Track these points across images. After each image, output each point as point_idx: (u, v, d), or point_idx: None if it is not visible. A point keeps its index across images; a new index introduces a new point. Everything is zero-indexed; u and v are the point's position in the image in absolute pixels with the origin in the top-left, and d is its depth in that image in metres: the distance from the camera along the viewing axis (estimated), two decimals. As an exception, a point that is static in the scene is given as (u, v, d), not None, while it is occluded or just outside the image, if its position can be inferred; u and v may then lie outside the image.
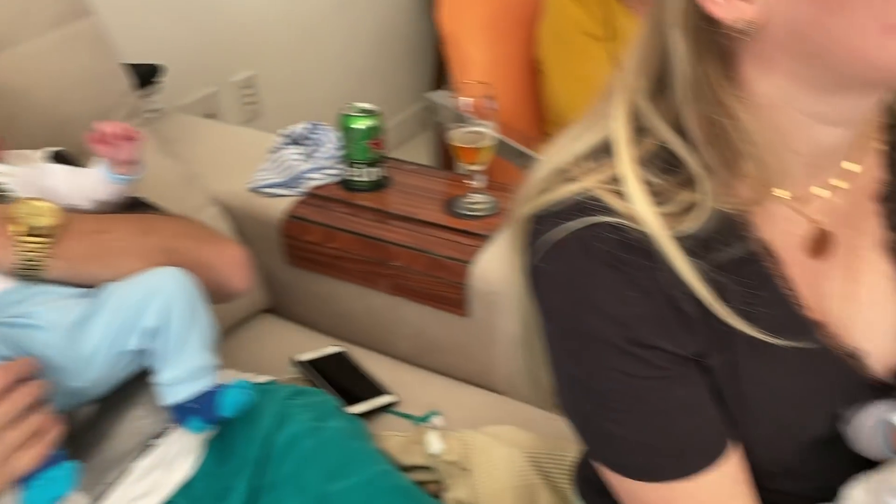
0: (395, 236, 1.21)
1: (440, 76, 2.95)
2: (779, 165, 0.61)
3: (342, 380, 1.20)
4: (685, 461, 0.63)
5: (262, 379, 1.02)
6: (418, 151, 2.89)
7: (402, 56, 2.94)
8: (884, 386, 0.67)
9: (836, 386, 0.66)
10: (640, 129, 0.62)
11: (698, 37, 0.58)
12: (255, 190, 1.34)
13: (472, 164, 1.20)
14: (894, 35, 0.52)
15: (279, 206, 1.31)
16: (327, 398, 0.99)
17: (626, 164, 0.61)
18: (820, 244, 0.66)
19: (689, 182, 0.60)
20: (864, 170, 0.67)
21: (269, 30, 2.35)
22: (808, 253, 0.65)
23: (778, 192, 0.63)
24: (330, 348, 1.26)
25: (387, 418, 1.16)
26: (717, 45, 0.58)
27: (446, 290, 1.16)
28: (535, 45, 1.50)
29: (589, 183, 0.62)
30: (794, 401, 0.65)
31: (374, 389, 1.19)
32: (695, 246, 0.60)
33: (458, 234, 1.19)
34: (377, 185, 1.31)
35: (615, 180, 0.61)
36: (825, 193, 0.65)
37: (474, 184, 1.23)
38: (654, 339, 0.60)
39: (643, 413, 0.63)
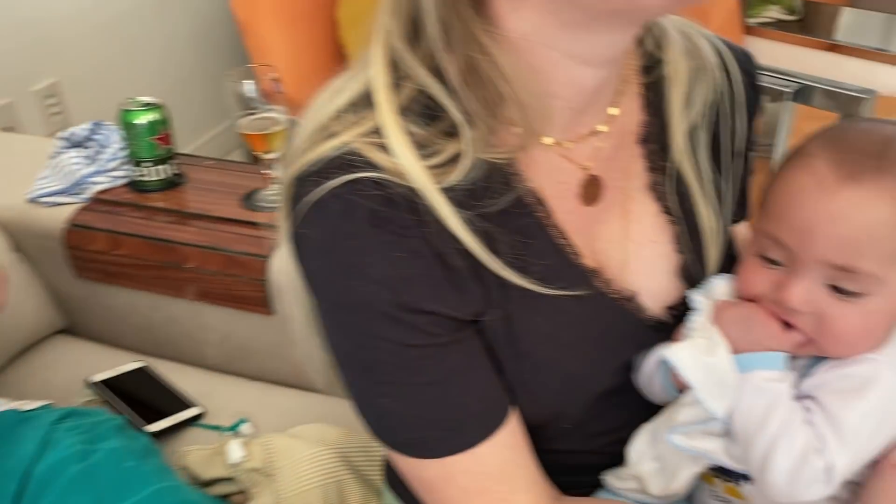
0: (187, 236, 1.12)
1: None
2: (541, 110, 0.57)
3: (143, 397, 1.10)
4: (463, 434, 0.59)
5: (33, 405, 0.91)
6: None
7: (222, 47, 2.81)
8: (662, 325, 0.66)
9: (617, 331, 0.64)
10: (400, 77, 0.57)
11: None
12: (33, 200, 1.21)
13: (265, 151, 1.13)
14: None
15: (61, 215, 1.19)
16: (106, 418, 0.89)
17: (387, 113, 0.56)
18: (591, 190, 0.64)
19: (452, 131, 0.56)
20: (627, 113, 0.66)
21: (70, 32, 2.17)
22: (580, 200, 0.63)
23: (544, 139, 0.61)
24: (130, 364, 1.16)
25: (194, 432, 1.07)
26: None
27: (246, 288, 1.09)
28: (337, 29, 1.45)
29: (348, 137, 0.56)
30: (577, 351, 0.62)
31: (178, 403, 1.10)
32: (463, 198, 0.56)
33: (257, 228, 1.12)
34: (169, 184, 1.22)
35: (377, 132, 0.56)
36: (591, 139, 0.63)
37: (272, 173, 1.16)
38: (424, 302, 0.56)
39: (416, 385, 0.58)
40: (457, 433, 0.59)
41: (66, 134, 1.28)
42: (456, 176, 0.56)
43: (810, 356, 0.61)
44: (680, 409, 0.62)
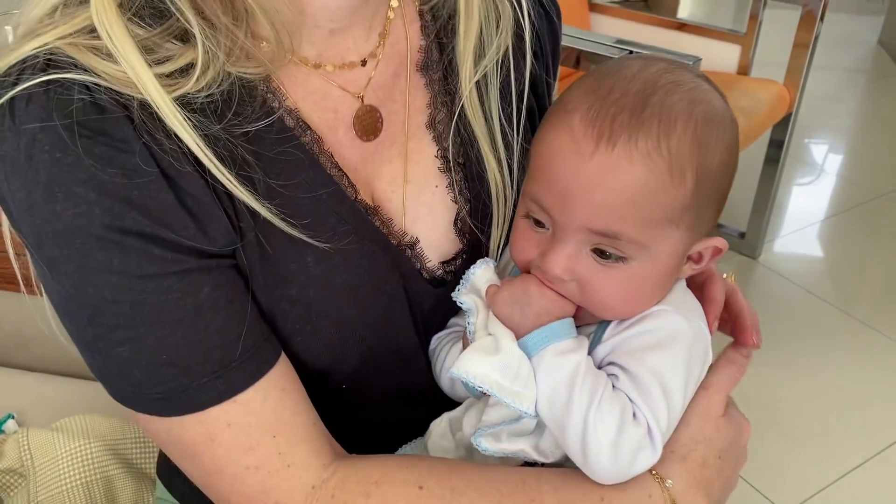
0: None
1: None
2: (288, 25, 0.50)
3: None
4: (225, 378, 0.50)
5: None
6: None
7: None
8: (439, 281, 0.60)
9: (395, 280, 0.57)
10: None
11: None
12: None
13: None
14: None
15: None
16: None
17: (104, 7, 0.47)
18: (367, 122, 0.57)
19: (187, 37, 0.48)
20: (403, 39, 0.60)
21: None
22: (355, 133, 0.57)
23: (303, 58, 0.54)
24: None
25: (-49, 433, 0.93)
26: None
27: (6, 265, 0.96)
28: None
29: (52, 37, 0.47)
30: (352, 296, 0.55)
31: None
32: (203, 114, 0.48)
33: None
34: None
35: (91, 31, 0.47)
36: (363, 67, 0.57)
37: None
38: (152, 226, 0.47)
39: (159, 324, 0.48)
40: (217, 379, 0.50)
41: None
42: (192, 86, 0.47)
43: (593, 329, 0.55)
44: (487, 409, 0.55)
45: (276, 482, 0.51)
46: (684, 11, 2.38)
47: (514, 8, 0.62)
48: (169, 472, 0.71)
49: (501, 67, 0.62)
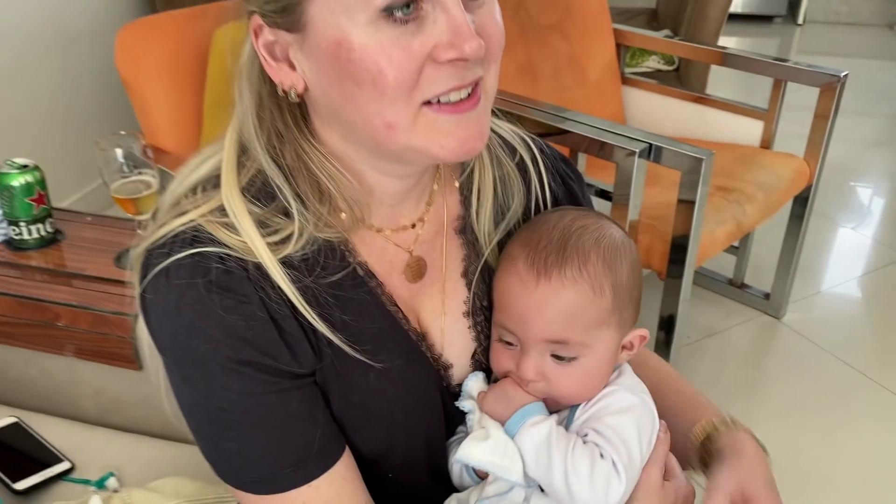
0: (59, 295, 1.17)
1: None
2: (360, 203, 0.68)
3: (14, 453, 1.14)
4: (304, 469, 0.67)
5: None
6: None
7: (101, 106, 2.79)
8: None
9: (433, 395, 0.74)
10: (248, 159, 0.67)
11: (261, 88, 0.65)
12: None
13: (137, 214, 1.19)
14: (395, 131, 0.60)
15: (-65, 273, 1.22)
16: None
17: (231, 193, 0.65)
18: (415, 269, 0.74)
19: (287, 211, 0.66)
20: (448, 206, 0.76)
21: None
22: (405, 277, 0.73)
23: (370, 225, 0.71)
24: (2, 420, 1.19)
25: (63, 486, 1.11)
26: (285, 98, 0.64)
27: (115, 345, 1.14)
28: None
29: (195, 215, 0.65)
30: (401, 404, 0.72)
31: (49, 458, 1.14)
32: (300, 269, 0.65)
33: (125, 287, 1.17)
34: (47, 242, 1.26)
35: (222, 210, 0.65)
36: (413, 228, 0.73)
37: (143, 232, 1.21)
38: (261, 356, 0.64)
39: (259, 429, 0.65)
40: (298, 469, 0.66)
41: (-58, 193, 1.30)
42: (291, 249, 0.65)
43: (566, 414, 0.72)
44: (485, 486, 0.71)
45: None
46: (711, 87, 2.52)
47: (534, 182, 0.78)
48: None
49: (524, 218, 0.78)
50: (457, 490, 0.77)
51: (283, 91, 0.64)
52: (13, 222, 1.24)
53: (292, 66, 0.62)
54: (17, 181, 1.22)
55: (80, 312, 1.14)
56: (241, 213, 0.64)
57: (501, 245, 0.76)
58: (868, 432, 1.89)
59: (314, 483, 0.67)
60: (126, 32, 1.51)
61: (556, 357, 0.69)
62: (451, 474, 0.77)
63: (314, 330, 0.66)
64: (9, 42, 2.28)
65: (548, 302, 0.68)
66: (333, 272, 0.68)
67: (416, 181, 0.71)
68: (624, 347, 0.73)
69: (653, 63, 2.57)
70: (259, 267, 0.64)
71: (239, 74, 0.66)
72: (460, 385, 0.75)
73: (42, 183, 1.24)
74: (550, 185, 0.80)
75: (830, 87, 1.94)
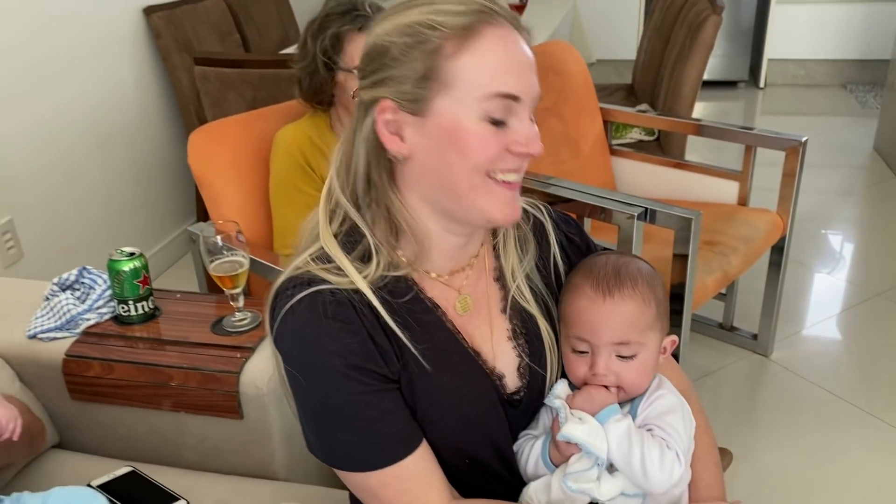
0: (171, 360, 1.39)
1: (200, 201, 3.13)
2: (425, 249, 0.93)
3: (135, 496, 1.34)
4: (394, 451, 0.89)
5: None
6: (181, 274, 3.03)
7: (160, 189, 3.10)
8: (511, 404, 0.99)
9: (492, 397, 0.97)
10: (337, 214, 0.93)
11: (374, 151, 0.90)
12: (33, 336, 1.46)
13: (232, 289, 1.42)
14: (474, 191, 0.85)
15: (59, 347, 1.44)
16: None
17: (328, 239, 0.91)
18: (464, 304, 0.98)
19: (369, 254, 0.91)
20: (487, 259, 1.02)
21: (25, 173, 2.42)
22: (457, 310, 0.98)
23: (426, 271, 0.95)
24: (121, 469, 1.39)
25: (182, 521, 1.31)
26: (387, 160, 0.90)
27: (221, 399, 1.36)
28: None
29: (300, 262, 0.90)
30: (470, 403, 0.95)
31: (166, 498, 1.34)
32: (385, 298, 0.90)
33: (226, 350, 1.39)
34: (149, 317, 1.49)
35: (322, 258, 0.90)
36: (461, 273, 0.98)
37: (235, 304, 1.45)
38: (363, 364, 0.87)
39: (362, 420, 0.88)
40: (390, 451, 0.89)
41: (57, 279, 1.53)
42: (378, 283, 0.90)
43: (628, 409, 0.97)
44: (571, 464, 0.95)
45: (425, 499, 0.90)
46: (690, 153, 2.82)
47: (550, 237, 1.04)
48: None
49: (542, 270, 1.03)
50: (523, 484, 1.00)
51: (392, 156, 0.89)
52: (122, 301, 1.47)
53: (402, 139, 0.88)
54: (127, 266, 1.45)
55: (191, 373, 1.36)
56: (340, 258, 0.90)
57: (532, 290, 1.02)
58: (857, 457, 2.07)
59: (402, 462, 0.89)
60: (198, 135, 1.77)
61: (620, 357, 0.95)
62: (524, 468, 1.00)
63: (400, 345, 0.90)
64: (56, 143, 2.55)
65: (613, 313, 0.95)
66: (409, 302, 0.93)
67: (468, 239, 0.96)
68: (663, 349, 0.99)
69: (635, 135, 2.87)
70: (358, 293, 0.88)
71: (356, 138, 0.90)
72: (512, 392, 0.99)
73: (146, 267, 1.47)
74: (560, 239, 1.06)
75: (794, 150, 2.23)
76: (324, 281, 0.88)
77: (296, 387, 0.90)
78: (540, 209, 1.06)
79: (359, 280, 0.88)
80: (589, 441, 0.92)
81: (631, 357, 0.95)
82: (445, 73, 0.83)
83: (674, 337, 1.01)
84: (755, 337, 2.52)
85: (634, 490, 0.94)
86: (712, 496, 1.01)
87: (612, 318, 0.95)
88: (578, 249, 1.08)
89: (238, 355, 1.38)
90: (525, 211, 1.03)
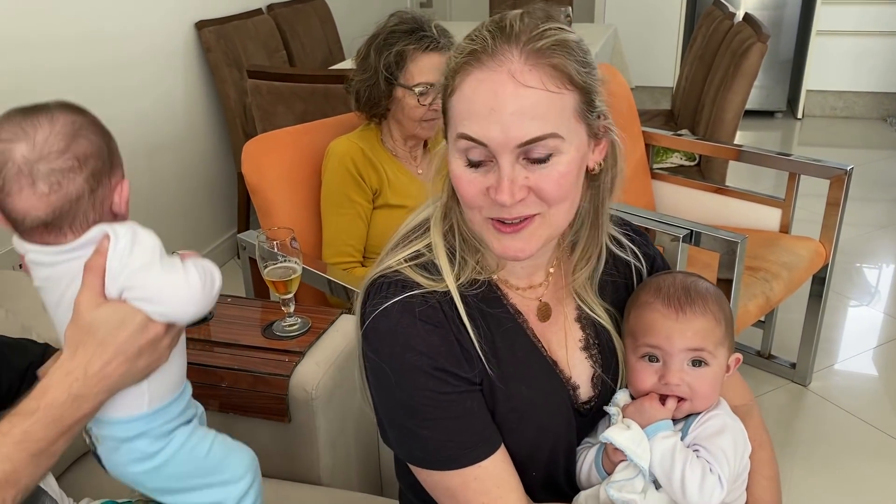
0: (222, 361, 1.41)
1: (241, 211, 3.18)
2: (502, 263, 0.96)
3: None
4: (476, 451, 0.91)
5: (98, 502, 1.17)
6: (228, 278, 3.07)
7: (205, 199, 3.16)
8: (582, 414, 1.01)
9: (566, 406, 0.99)
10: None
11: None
12: (86, 334, 1.49)
13: (285, 294, 1.45)
14: (476, 228, 0.91)
15: (111, 345, 1.47)
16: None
17: (438, 237, 0.94)
18: (543, 312, 1.00)
19: (461, 258, 0.93)
20: (564, 272, 1.03)
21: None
22: (537, 318, 1.00)
23: (505, 281, 0.98)
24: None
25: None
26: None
27: (270, 402, 1.38)
28: (326, 191, 1.80)
29: (393, 262, 0.94)
30: (546, 411, 0.96)
31: (213, 497, 1.36)
32: (472, 305, 0.93)
33: (277, 353, 1.42)
34: (201, 320, 1.52)
35: (415, 258, 0.93)
36: (541, 286, 1.00)
37: (286, 309, 1.47)
38: (450, 366, 0.90)
39: (446, 419, 0.90)
40: (472, 451, 0.91)
41: (113, 279, 1.57)
42: (466, 288, 0.92)
43: (681, 426, 0.97)
44: (616, 472, 0.96)
45: (505, 499, 0.91)
46: (731, 179, 2.82)
47: (630, 254, 1.05)
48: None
49: (618, 278, 1.05)
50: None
51: None
52: (176, 303, 1.50)
53: None
54: (183, 269, 1.48)
55: (242, 375, 1.39)
56: (440, 252, 0.93)
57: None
58: (894, 489, 2.07)
59: (482, 463, 0.91)
60: (252, 145, 1.81)
61: (693, 363, 0.96)
62: (579, 476, 1.01)
63: (483, 350, 0.92)
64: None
65: (688, 326, 0.95)
66: (494, 307, 0.95)
67: (538, 259, 0.98)
68: (727, 367, 1.00)
69: (676, 159, 2.88)
70: (448, 297, 0.91)
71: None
72: (584, 401, 1.00)
73: (201, 270, 1.51)
74: (638, 255, 1.07)
75: (839, 179, 2.22)
76: (416, 284, 0.91)
77: (381, 383, 0.92)
78: (629, 233, 1.07)
79: (451, 281, 0.91)
80: (630, 448, 0.93)
81: (703, 365, 0.96)
82: (447, 110, 0.87)
83: (738, 355, 1.02)
84: (793, 366, 2.50)
85: None
86: None
87: (687, 331, 0.96)
88: (651, 265, 1.09)
89: (287, 359, 1.40)
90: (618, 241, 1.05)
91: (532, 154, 0.82)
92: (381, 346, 0.91)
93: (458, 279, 0.92)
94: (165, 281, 0.89)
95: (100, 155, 0.89)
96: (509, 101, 0.80)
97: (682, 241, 1.78)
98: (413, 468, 0.94)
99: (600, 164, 0.92)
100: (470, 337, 0.91)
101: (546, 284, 1.00)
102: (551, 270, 1.01)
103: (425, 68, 1.68)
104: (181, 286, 0.90)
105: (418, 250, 0.95)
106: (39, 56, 2.33)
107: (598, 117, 0.88)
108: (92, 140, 0.88)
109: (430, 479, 0.93)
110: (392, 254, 0.96)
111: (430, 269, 0.93)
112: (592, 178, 0.93)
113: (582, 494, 0.99)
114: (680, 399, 0.96)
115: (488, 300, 0.95)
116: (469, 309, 0.92)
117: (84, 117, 0.89)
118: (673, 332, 0.96)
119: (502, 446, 0.93)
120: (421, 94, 1.68)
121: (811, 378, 2.49)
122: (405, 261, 0.94)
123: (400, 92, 1.70)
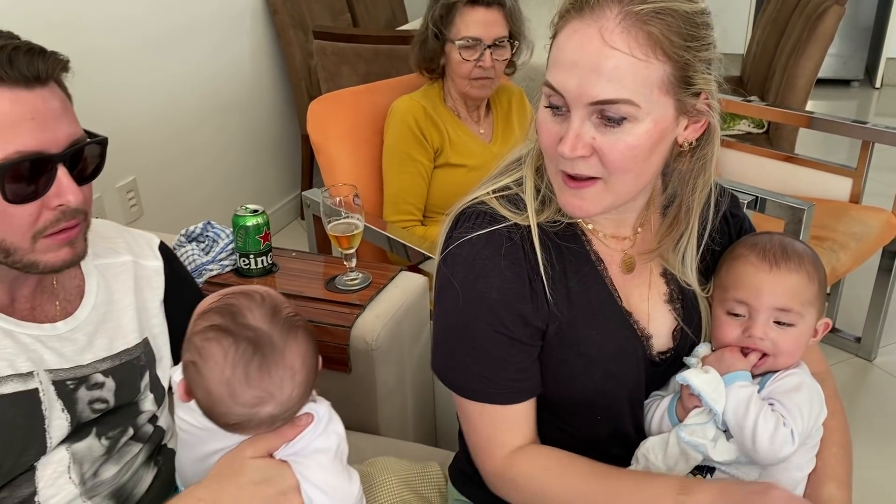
0: (286, 311, 1.46)
1: (305, 172, 3.24)
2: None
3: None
4: (502, 395, 0.96)
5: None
6: (291, 238, 3.15)
7: (270, 159, 3.22)
8: (656, 365, 1.02)
9: (637, 355, 1.00)
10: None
11: None
12: (158, 283, 1.56)
13: (347, 248, 1.49)
14: (554, 182, 0.92)
15: (182, 294, 1.53)
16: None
17: (530, 170, 0.96)
18: (628, 263, 1.01)
19: (548, 197, 0.95)
20: (653, 226, 1.02)
21: (147, 138, 2.57)
22: (621, 269, 1.01)
23: (596, 230, 0.99)
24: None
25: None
26: None
27: (332, 352, 1.42)
28: (388, 150, 1.83)
29: (482, 193, 0.96)
30: (615, 357, 0.98)
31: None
32: (553, 244, 0.94)
33: (339, 306, 1.46)
34: (267, 272, 1.57)
35: (503, 190, 0.96)
36: (628, 239, 1.01)
37: (348, 264, 1.51)
38: (514, 306, 0.92)
39: (492, 357, 0.94)
40: (503, 394, 0.96)
41: (184, 231, 1.63)
42: (544, 217, 0.94)
43: (759, 380, 0.97)
44: (689, 416, 0.97)
45: (503, 439, 0.96)
46: (800, 149, 2.74)
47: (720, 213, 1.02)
48: (463, 480, 1.15)
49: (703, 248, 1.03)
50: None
51: None
52: (244, 255, 1.55)
53: None
54: (251, 222, 1.53)
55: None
56: (529, 185, 0.95)
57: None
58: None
59: (509, 406, 0.95)
60: (317, 105, 1.85)
61: (778, 323, 0.96)
62: (649, 425, 1.02)
63: (555, 291, 0.93)
64: (175, 111, 2.69)
65: (779, 281, 0.95)
66: (574, 250, 0.96)
67: (619, 213, 0.97)
68: (815, 331, 0.99)
69: (744, 126, 2.81)
70: (530, 234, 0.92)
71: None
72: (659, 352, 1.01)
73: (268, 224, 1.55)
74: (727, 216, 1.06)
75: (915, 149, 2.15)
76: (501, 217, 0.94)
77: (447, 304, 0.95)
78: (719, 189, 1.05)
79: (532, 213, 0.93)
80: (706, 391, 0.93)
81: (788, 325, 0.96)
82: (550, 52, 0.88)
83: (827, 320, 1.00)
84: (858, 340, 2.44)
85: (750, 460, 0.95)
86: (829, 476, 1.00)
87: (777, 286, 0.95)
88: (739, 226, 1.09)
89: (349, 311, 1.44)
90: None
91: (605, 113, 0.83)
92: (457, 270, 0.94)
93: (540, 214, 0.94)
94: (340, 475, 0.95)
95: (315, 368, 0.92)
96: (591, 58, 0.81)
97: (747, 208, 1.75)
98: (447, 388, 0.99)
99: (691, 143, 0.90)
100: (543, 275, 0.93)
101: (633, 240, 1.01)
102: (639, 230, 1.01)
103: (471, 22, 1.67)
104: (346, 487, 0.95)
105: (507, 184, 0.97)
106: (111, 27, 2.40)
107: (697, 95, 0.86)
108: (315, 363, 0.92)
109: (462, 405, 0.98)
110: (482, 186, 0.98)
111: (517, 202, 0.95)
112: (683, 156, 0.92)
113: (649, 441, 1.00)
114: (763, 356, 0.96)
115: (568, 237, 0.96)
116: (548, 245, 0.94)
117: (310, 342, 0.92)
118: (763, 286, 0.95)
119: (532, 400, 0.97)
120: (462, 47, 1.68)
121: (877, 353, 2.43)
122: (492, 192, 0.96)
123: (449, 47, 1.70)
